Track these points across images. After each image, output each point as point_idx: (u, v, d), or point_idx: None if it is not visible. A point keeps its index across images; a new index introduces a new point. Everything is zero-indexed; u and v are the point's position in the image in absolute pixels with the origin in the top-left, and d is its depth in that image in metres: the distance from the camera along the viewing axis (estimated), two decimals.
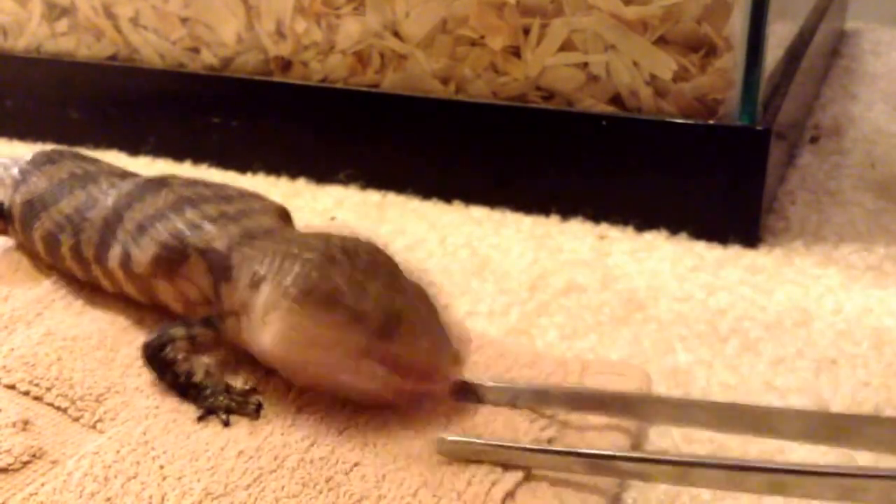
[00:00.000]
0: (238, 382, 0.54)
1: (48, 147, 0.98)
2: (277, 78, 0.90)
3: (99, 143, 0.98)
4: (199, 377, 0.53)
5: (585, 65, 0.79)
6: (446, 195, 0.85)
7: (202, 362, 0.54)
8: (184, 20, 0.93)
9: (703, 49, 0.75)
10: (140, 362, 0.56)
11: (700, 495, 0.47)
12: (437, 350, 0.49)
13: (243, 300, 0.52)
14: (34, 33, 1.00)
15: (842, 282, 0.71)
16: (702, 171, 0.76)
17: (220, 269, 0.54)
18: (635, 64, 0.77)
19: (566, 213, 0.82)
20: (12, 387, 0.53)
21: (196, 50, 0.93)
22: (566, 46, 0.79)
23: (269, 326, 0.50)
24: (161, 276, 0.57)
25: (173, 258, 0.56)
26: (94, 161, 0.71)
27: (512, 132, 0.82)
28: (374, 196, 0.87)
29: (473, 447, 0.47)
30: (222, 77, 0.93)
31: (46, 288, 0.65)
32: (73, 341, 0.57)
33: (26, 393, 0.53)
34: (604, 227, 0.80)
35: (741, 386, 0.57)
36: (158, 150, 0.96)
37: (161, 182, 0.62)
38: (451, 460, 0.47)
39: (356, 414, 0.51)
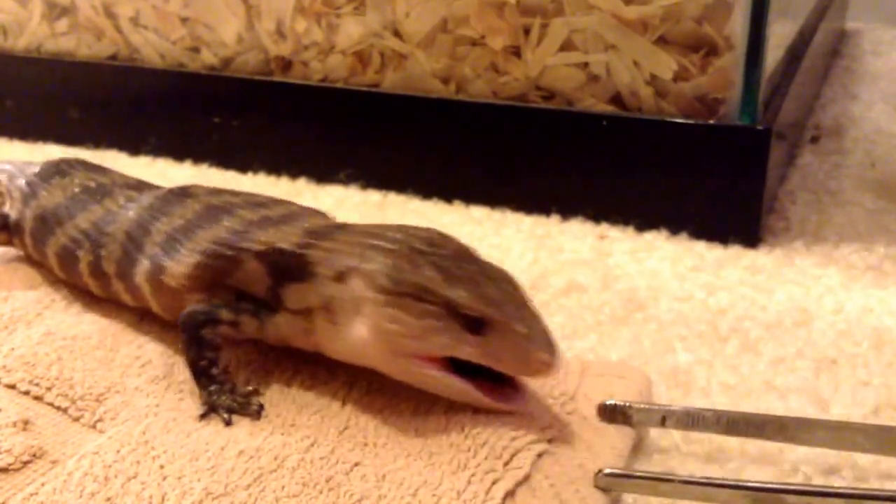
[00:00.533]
0: (240, 383, 0.54)
1: (48, 146, 0.99)
2: (278, 78, 0.91)
3: (99, 143, 0.98)
4: (217, 370, 0.52)
5: (586, 65, 0.79)
6: (447, 195, 0.85)
7: (225, 357, 0.53)
8: (184, 20, 0.93)
9: (704, 49, 0.75)
10: (140, 361, 0.56)
11: None
12: (532, 338, 0.48)
13: (325, 296, 0.51)
14: (34, 33, 1.00)
15: (842, 282, 0.71)
16: (702, 170, 0.76)
17: (286, 269, 0.52)
18: (636, 64, 0.77)
19: (566, 212, 0.82)
20: (12, 386, 0.53)
21: (196, 50, 0.93)
22: (566, 46, 0.79)
23: (362, 319, 0.49)
24: (197, 288, 0.55)
25: (219, 266, 0.54)
26: (105, 171, 0.69)
27: (512, 132, 0.82)
28: (374, 196, 0.87)
29: (634, 480, 0.46)
30: (223, 77, 0.93)
31: (46, 288, 0.65)
32: (73, 341, 0.57)
33: (26, 393, 0.53)
34: (604, 227, 0.80)
35: (741, 386, 0.57)
36: (159, 150, 0.96)
37: (184, 192, 0.60)
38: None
39: (356, 414, 0.51)
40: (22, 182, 0.68)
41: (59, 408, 0.52)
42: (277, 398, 0.53)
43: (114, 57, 0.98)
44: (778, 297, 0.68)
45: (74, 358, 0.56)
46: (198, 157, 0.94)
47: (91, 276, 0.61)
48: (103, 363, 0.56)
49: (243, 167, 0.92)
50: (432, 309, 0.48)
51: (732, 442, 0.51)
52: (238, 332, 0.54)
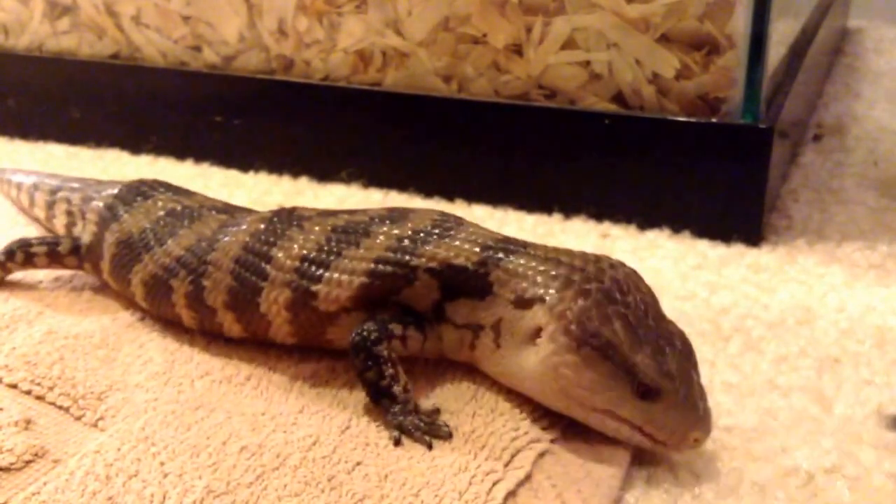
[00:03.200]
0: (422, 401, 0.52)
1: (49, 145, 0.99)
2: (279, 76, 0.90)
3: (101, 142, 0.98)
4: (399, 388, 0.50)
5: (588, 63, 0.79)
6: (448, 194, 0.85)
7: (404, 374, 0.51)
8: (186, 18, 0.93)
9: (706, 47, 0.75)
10: (142, 359, 0.56)
11: (703, 495, 0.47)
12: (694, 416, 0.47)
13: (498, 317, 0.50)
14: (36, 32, 1.00)
15: (845, 280, 0.71)
16: (704, 169, 0.76)
17: (460, 286, 0.51)
18: (638, 62, 0.77)
19: (568, 211, 0.81)
20: (14, 386, 0.53)
21: (198, 48, 0.93)
22: (568, 45, 0.79)
23: (536, 351, 0.49)
24: (361, 308, 0.53)
25: (388, 286, 0.52)
26: (190, 193, 0.65)
27: (514, 131, 0.82)
28: (376, 194, 0.87)
29: None
30: (224, 76, 0.93)
31: (48, 286, 0.65)
32: (74, 340, 0.57)
33: (28, 392, 0.53)
34: (606, 226, 0.80)
35: (744, 384, 0.57)
36: (160, 149, 0.96)
37: (292, 216, 0.57)
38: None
39: (358, 413, 0.51)
40: (99, 204, 0.64)
41: (60, 407, 0.52)
42: (279, 397, 0.53)
43: (115, 56, 0.98)
44: (780, 296, 0.68)
45: (76, 357, 0.56)
46: (199, 155, 0.94)
47: (186, 308, 0.58)
48: (105, 362, 0.56)
49: (245, 166, 0.92)
50: (612, 369, 0.47)
51: (735, 441, 0.51)
52: (405, 348, 0.52)
